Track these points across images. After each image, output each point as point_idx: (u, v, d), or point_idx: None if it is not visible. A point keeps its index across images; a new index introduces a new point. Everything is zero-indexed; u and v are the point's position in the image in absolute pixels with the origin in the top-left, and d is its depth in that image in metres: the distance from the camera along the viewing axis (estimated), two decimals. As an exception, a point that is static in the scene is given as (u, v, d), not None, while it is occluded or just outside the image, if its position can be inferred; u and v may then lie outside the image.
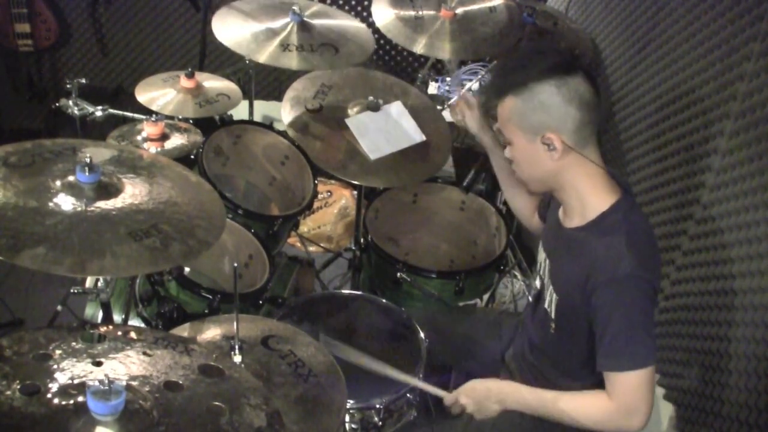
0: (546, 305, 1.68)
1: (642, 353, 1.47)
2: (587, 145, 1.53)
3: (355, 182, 2.28)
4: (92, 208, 1.40)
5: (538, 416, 1.62)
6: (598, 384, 1.54)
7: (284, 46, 2.23)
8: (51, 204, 1.38)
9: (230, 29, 2.26)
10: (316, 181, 2.49)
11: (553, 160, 1.52)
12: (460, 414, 1.74)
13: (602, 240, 1.51)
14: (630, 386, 1.47)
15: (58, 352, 1.21)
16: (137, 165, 1.59)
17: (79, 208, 1.39)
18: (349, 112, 2.32)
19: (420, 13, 2.56)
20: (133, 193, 1.48)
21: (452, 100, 2.21)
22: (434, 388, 1.80)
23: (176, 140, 2.35)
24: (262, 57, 2.20)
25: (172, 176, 1.59)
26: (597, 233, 1.53)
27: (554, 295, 1.63)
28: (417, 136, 2.28)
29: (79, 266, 1.29)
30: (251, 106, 3.01)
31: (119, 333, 1.31)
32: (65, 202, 1.39)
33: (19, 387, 1.10)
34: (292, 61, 2.20)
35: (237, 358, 1.54)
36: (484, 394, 1.68)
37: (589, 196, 1.56)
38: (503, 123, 1.58)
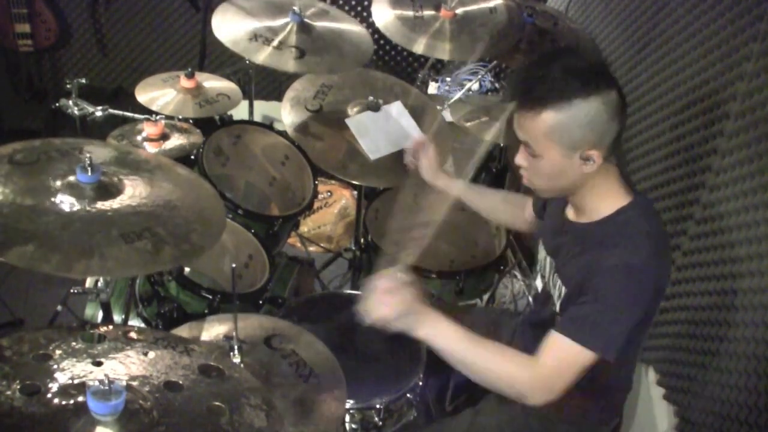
0: (554, 299, 1.66)
1: (604, 340, 1.41)
2: (614, 152, 1.51)
3: (355, 182, 2.28)
4: (88, 209, 1.40)
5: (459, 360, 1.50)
6: (600, 384, 1.54)
7: (282, 48, 2.21)
8: (47, 203, 1.38)
9: (229, 26, 2.24)
10: (316, 181, 2.49)
11: (584, 172, 1.48)
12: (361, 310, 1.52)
13: (621, 228, 1.48)
14: (565, 357, 1.42)
15: (58, 352, 1.21)
16: (141, 167, 1.59)
17: (75, 208, 1.39)
18: (349, 112, 2.32)
19: (420, 13, 2.56)
20: (132, 194, 1.48)
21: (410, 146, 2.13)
22: None
23: (176, 140, 2.35)
24: (260, 57, 2.17)
25: (174, 178, 1.59)
26: (614, 226, 1.50)
27: (563, 289, 1.60)
28: (417, 136, 2.28)
29: (65, 265, 1.29)
30: (251, 106, 3.01)
31: (119, 333, 1.31)
32: (64, 202, 1.39)
33: (19, 387, 1.11)
34: (288, 63, 2.18)
35: (236, 359, 1.54)
36: (409, 303, 1.50)
37: (605, 194, 1.54)
38: (536, 137, 1.47)
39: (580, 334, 1.42)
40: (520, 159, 1.55)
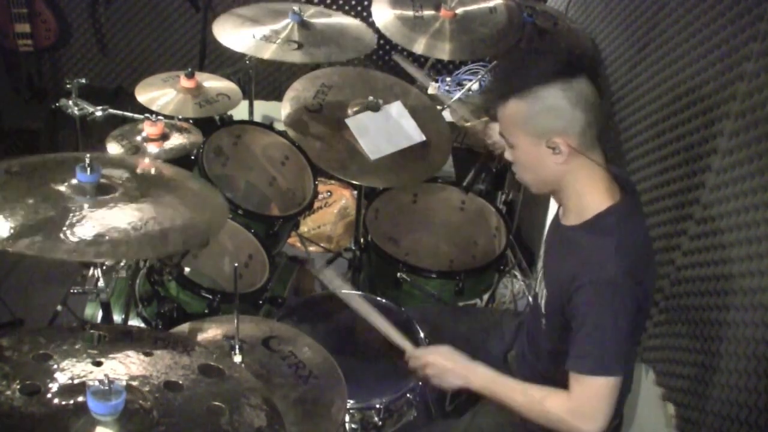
0: (539, 300, 1.69)
1: (609, 361, 1.46)
2: (591, 147, 1.53)
3: (355, 182, 2.28)
4: (92, 210, 1.40)
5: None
6: None
7: (286, 43, 2.21)
8: (51, 202, 1.38)
9: (232, 33, 2.25)
10: (316, 181, 2.49)
11: (557, 163, 1.51)
12: (417, 372, 1.74)
13: (593, 241, 1.51)
14: (589, 390, 1.47)
15: (58, 352, 1.21)
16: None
17: (77, 208, 1.39)
18: (349, 112, 2.32)
19: (420, 12, 2.56)
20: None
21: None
22: (402, 338, 1.78)
23: (176, 140, 2.35)
24: (266, 53, 2.18)
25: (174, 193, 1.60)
26: (589, 234, 1.53)
27: (544, 291, 1.64)
28: (417, 136, 2.28)
29: (78, 251, 1.30)
30: (251, 106, 3.01)
31: (119, 333, 1.31)
32: (68, 203, 1.39)
33: (19, 387, 1.11)
34: (294, 56, 2.19)
35: (237, 358, 1.54)
36: (449, 366, 1.68)
37: (587, 196, 1.55)
38: (506, 126, 1.56)
39: (591, 366, 1.47)
40: (506, 153, 1.62)
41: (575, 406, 1.49)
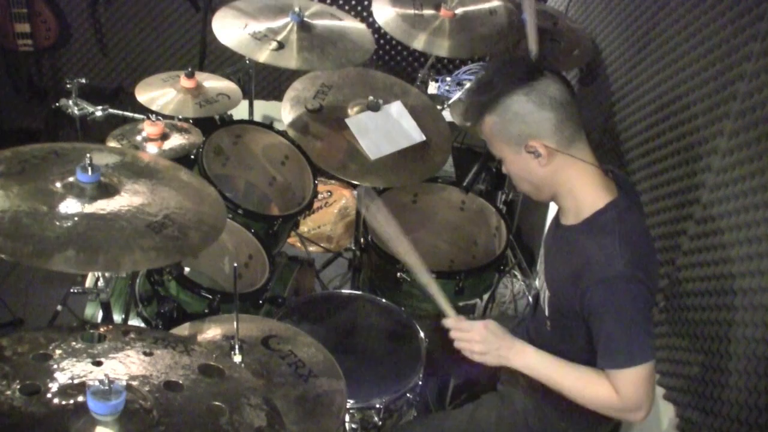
0: (542, 302, 1.69)
1: (638, 349, 1.48)
2: (573, 144, 1.53)
3: (355, 182, 2.28)
4: (101, 208, 1.40)
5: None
6: None
7: (283, 46, 2.20)
8: (60, 207, 1.37)
9: (230, 29, 2.24)
10: (316, 181, 2.49)
11: (542, 166, 1.53)
12: (457, 344, 1.68)
13: (595, 239, 1.51)
14: (630, 383, 1.49)
15: (58, 352, 1.21)
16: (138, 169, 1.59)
17: (89, 209, 1.39)
18: (349, 112, 2.32)
19: (420, 11, 2.56)
20: (134, 190, 1.48)
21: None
22: (447, 303, 1.71)
23: (176, 140, 2.35)
24: (262, 56, 2.17)
25: (173, 184, 1.59)
26: (590, 232, 1.53)
27: (547, 292, 1.64)
28: (417, 136, 2.28)
29: (114, 263, 1.32)
30: (251, 106, 3.01)
31: (119, 333, 1.31)
32: (71, 204, 1.39)
33: (19, 387, 1.11)
34: (291, 61, 2.18)
35: (237, 358, 1.54)
36: (496, 342, 1.64)
37: (582, 195, 1.56)
38: (489, 142, 1.60)
39: (624, 360, 1.49)
40: (503, 167, 1.65)
41: (623, 400, 1.51)
